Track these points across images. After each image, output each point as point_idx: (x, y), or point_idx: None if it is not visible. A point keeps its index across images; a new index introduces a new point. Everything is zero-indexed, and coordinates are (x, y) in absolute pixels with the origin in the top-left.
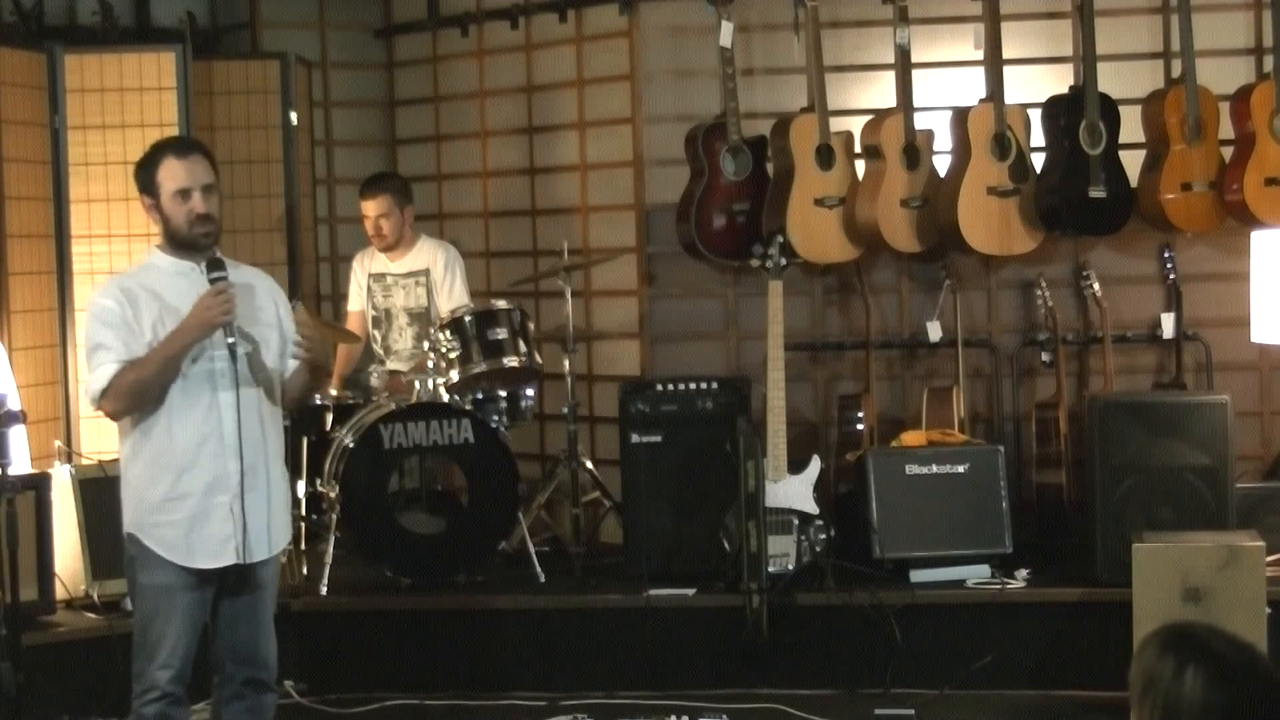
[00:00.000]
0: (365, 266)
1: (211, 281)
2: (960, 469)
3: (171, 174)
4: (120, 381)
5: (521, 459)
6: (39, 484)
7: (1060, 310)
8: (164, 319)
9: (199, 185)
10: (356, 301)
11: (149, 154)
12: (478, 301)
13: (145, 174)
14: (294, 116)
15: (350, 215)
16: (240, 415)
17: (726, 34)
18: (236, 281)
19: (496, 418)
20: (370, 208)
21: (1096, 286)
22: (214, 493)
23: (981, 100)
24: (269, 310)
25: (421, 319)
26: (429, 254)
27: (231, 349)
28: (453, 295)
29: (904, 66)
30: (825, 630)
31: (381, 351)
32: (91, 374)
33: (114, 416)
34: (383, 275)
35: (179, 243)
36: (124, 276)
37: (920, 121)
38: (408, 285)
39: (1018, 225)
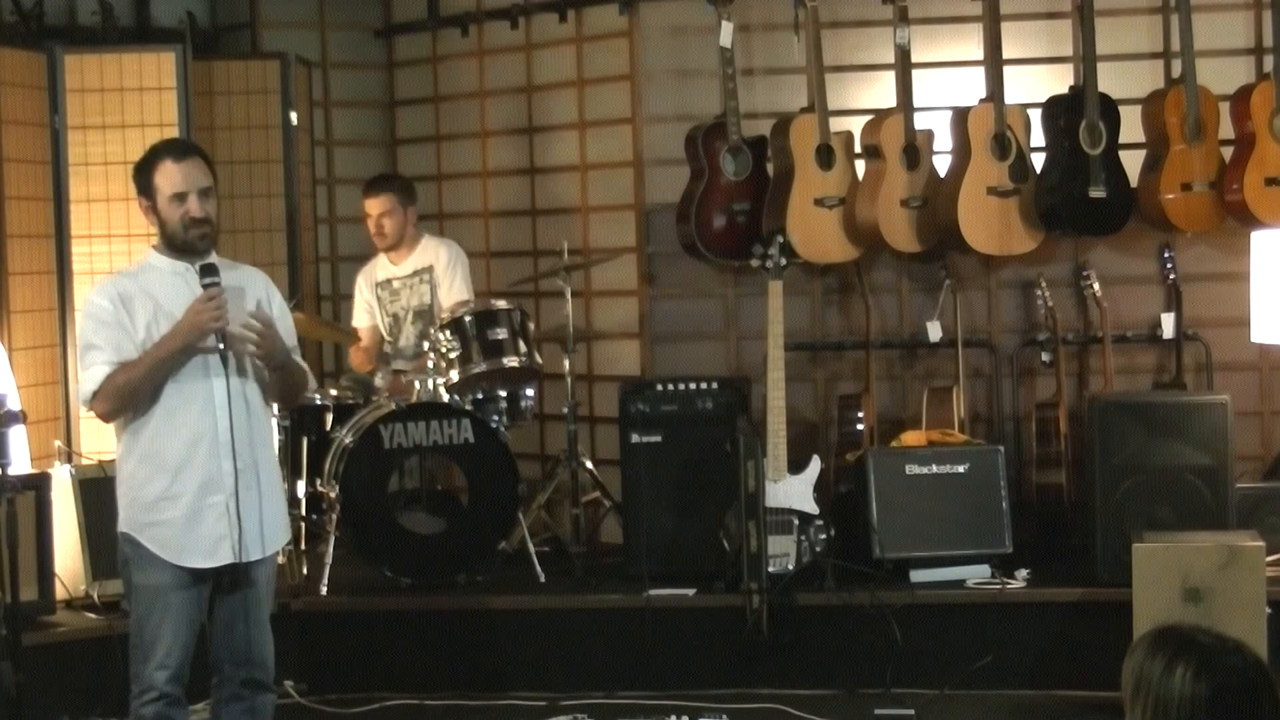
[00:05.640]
0: (370, 280)
1: (204, 287)
2: (960, 469)
3: (168, 177)
4: (110, 384)
5: (521, 459)
6: (39, 484)
7: (1060, 310)
8: (159, 320)
9: (195, 188)
10: (364, 317)
11: (146, 156)
12: (478, 301)
13: (142, 176)
14: (294, 116)
15: (350, 215)
16: (233, 416)
17: (726, 34)
18: (229, 284)
19: (496, 418)
20: (373, 206)
21: (1096, 286)
22: (208, 492)
23: (981, 100)
24: (262, 310)
25: (425, 316)
26: (432, 251)
27: (223, 355)
28: (453, 291)
29: (904, 66)
30: (825, 630)
31: (390, 351)
32: (83, 374)
33: (105, 418)
34: (388, 281)
35: (175, 245)
36: (121, 276)
37: (920, 121)
38: (412, 284)
39: (1018, 225)
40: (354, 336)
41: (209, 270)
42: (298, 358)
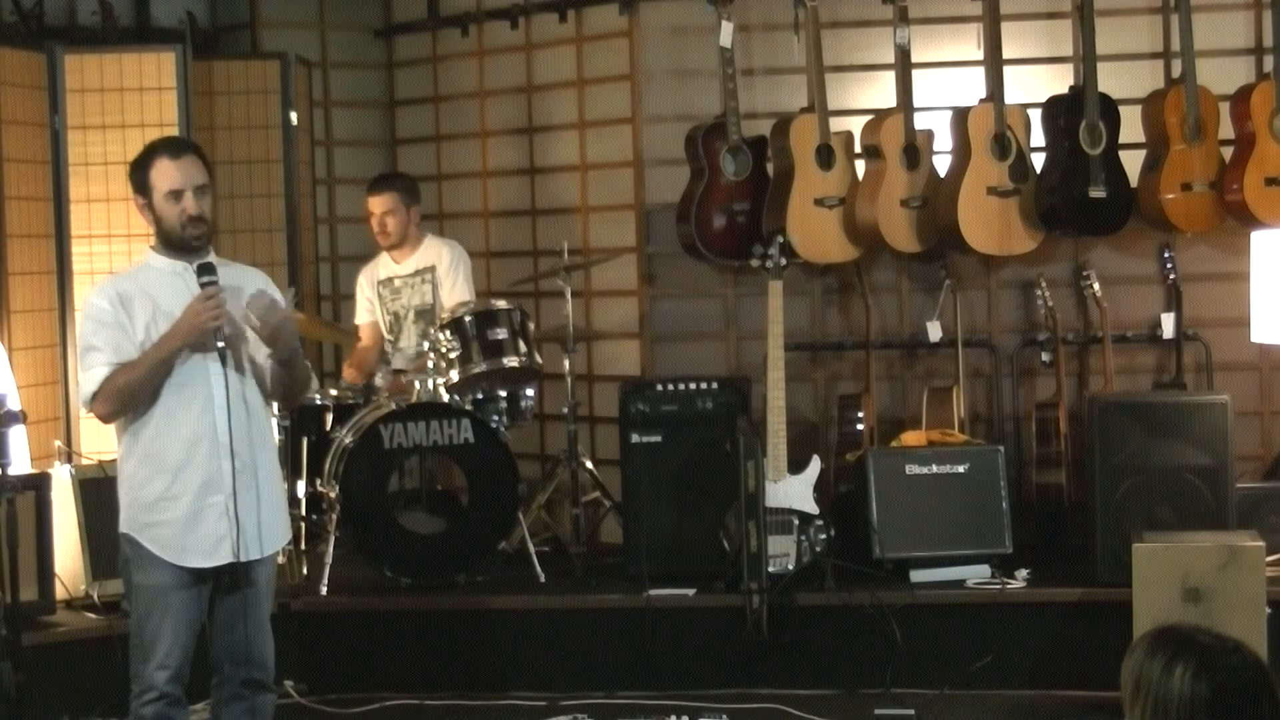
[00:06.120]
0: (372, 278)
1: (202, 286)
2: (960, 469)
3: (164, 174)
4: (110, 385)
5: (521, 459)
6: (39, 484)
7: (1060, 310)
8: (157, 320)
9: (191, 186)
10: (365, 315)
11: (143, 154)
12: (478, 301)
13: (139, 174)
14: (294, 116)
15: (350, 215)
16: (232, 416)
17: (726, 34)
18: (226, 283)
19: (496, 418)
20: (376, 204)
21: (1096, 286)
22: (208, 492)
23: (981, 100)
24: (263, 294)
25: (427, 315)
26: (434, 251)
27: (222, 354)
28: (455, 291)
29: (904, 66)
30: (825, 630)
31: (389, 350)
32: (83, 376)
33: (105, 419)
34: (390, 280)
35: (171, 243)
36: (120, 277)
37: (920, 121)
38: (414, 283)
39: (1018, 225)
40: (355, 336)
41: (206, 269)
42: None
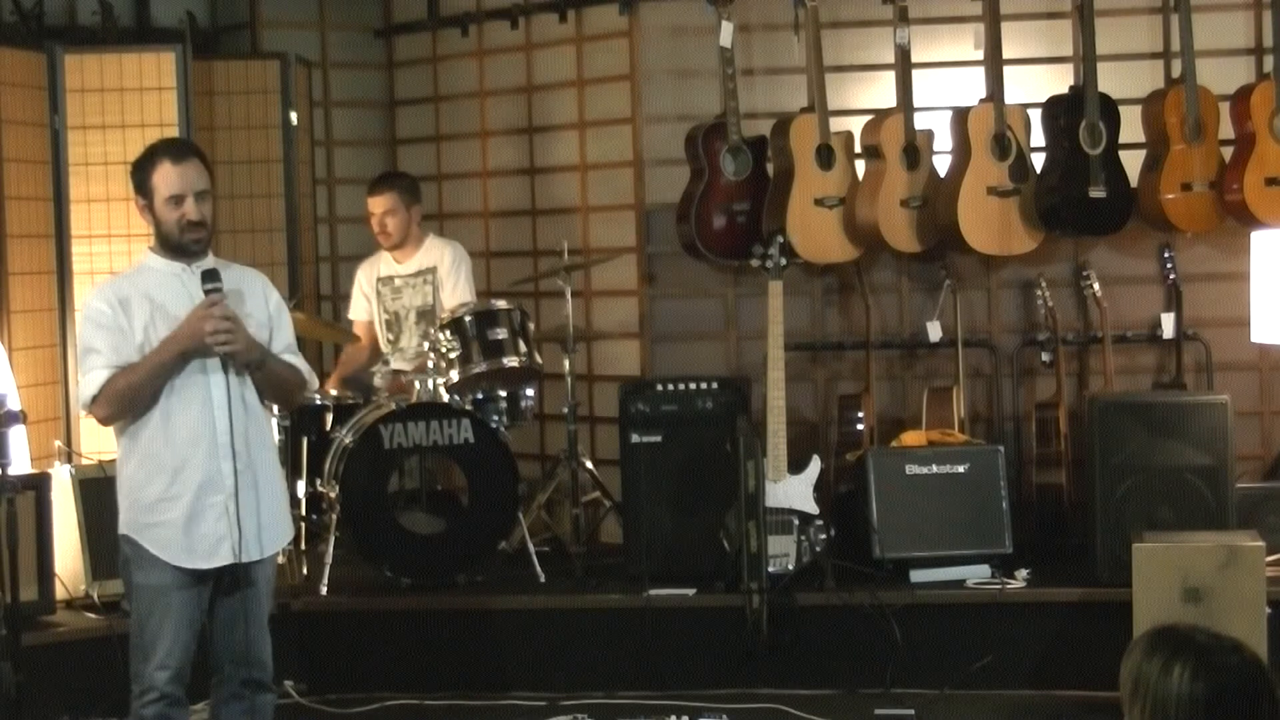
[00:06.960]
0: (371, 274)
1: (206, 293)
2: (960, 469)
3: (165, 179)
4: (110, 388)
5: (521, 459)
6: (39, 484)
7: (1060, 310)
8: (155, 321)
9: (192, 191)
10: (361, 311)
11: (144, 156)
12: (478, 302)
13: (140, 175)
14: (294, 116)
15: (350, 215)
16: (232, 416)
17: (726, 34)
18: (227, 286)
19: (496, 418)
20: (376, 204)
21: (1096, 286)
22: (208, 493)
23: (981, 100)
24: (260, 312)
25: (428, 316)
26: (436, 252)
27: (224, 361)
28: (456, 292)
29: (904, 66)
30: (825, 630)
31: (388, 350)
32: (83, 379)
33: (104, 422)
34: (390, 278)
35: (170, 246)
36: (119, 280)
37: (920, 121)
38: (416, 284)
39: (1018, 225)
40: (354, 336)
41: (211, 276)
42: (292, 356)
